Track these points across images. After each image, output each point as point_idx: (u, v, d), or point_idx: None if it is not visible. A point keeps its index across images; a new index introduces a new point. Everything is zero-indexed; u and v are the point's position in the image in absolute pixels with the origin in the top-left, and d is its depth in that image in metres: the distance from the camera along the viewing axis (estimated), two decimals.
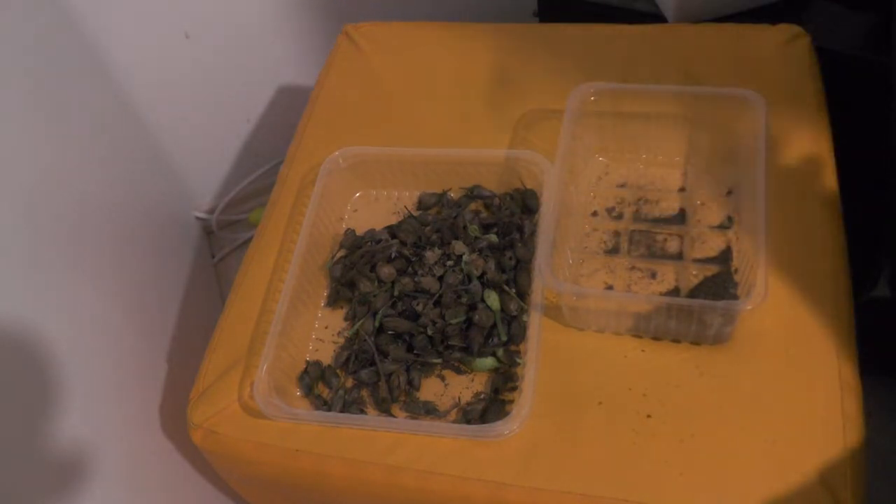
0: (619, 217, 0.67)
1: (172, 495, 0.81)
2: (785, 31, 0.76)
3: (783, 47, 0.75)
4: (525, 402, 0.55)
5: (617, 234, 0.66)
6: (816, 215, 0.63)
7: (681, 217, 0.66)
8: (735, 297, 0.60)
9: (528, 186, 0.70)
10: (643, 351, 0.59)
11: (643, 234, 0.65)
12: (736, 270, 0.62)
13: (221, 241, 1.24)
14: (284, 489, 0.64)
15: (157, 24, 0.99)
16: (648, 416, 0.55)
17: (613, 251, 0.65)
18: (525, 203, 0.69)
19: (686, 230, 0.65)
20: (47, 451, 0.62)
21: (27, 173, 0.69)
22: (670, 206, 0.67)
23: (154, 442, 0.79)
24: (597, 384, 0.58)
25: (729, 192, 0.66)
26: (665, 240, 0.65)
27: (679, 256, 0.64)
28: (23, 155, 0.69)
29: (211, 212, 1.23)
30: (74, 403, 0.65)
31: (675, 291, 0.62)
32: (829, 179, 0.65)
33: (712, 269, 0.62)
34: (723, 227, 0.65)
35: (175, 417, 0.80)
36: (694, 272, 0.62)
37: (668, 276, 0.63)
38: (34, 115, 0.73)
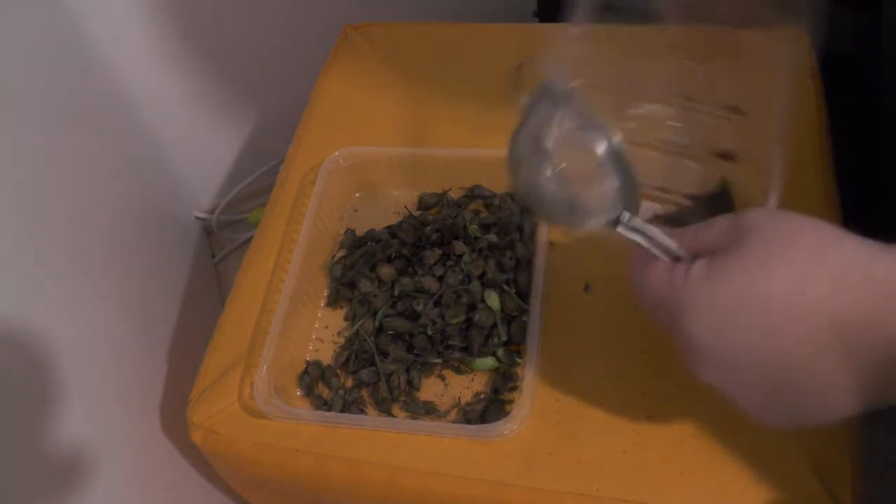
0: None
1: (172, 495, 0.82)
2: (785, 31, 0.76)
3: (783, 47, 0.75)
4: (525, 402, 0.55)
5: None
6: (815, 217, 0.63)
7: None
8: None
9: None
10: (643, 351, 0.59)
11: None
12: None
13: (221, 241, 1.24)
14: (284, 489, 0.64)
15: (156, 24, 0.99)
16: (648, 416, 0.55)
17: None
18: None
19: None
20: (47, 451, 0.62)
21: (26, 173, 0.69)
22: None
23: (154, 442, 0.79)
24: (597, 384, 0.58)
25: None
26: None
27: None
28: (21, 154, 0.69)
29: (211, 212, 1.23)
30: (74, 403, 0.65)
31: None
32: (829, 180, 0.65)
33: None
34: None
35: (175, 417, 0.80)
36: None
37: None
38: (33, 114, 0.73)
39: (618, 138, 0.42)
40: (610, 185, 0.42)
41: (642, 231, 0.42)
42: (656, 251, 0.42)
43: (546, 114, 0.43)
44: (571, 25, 0.60)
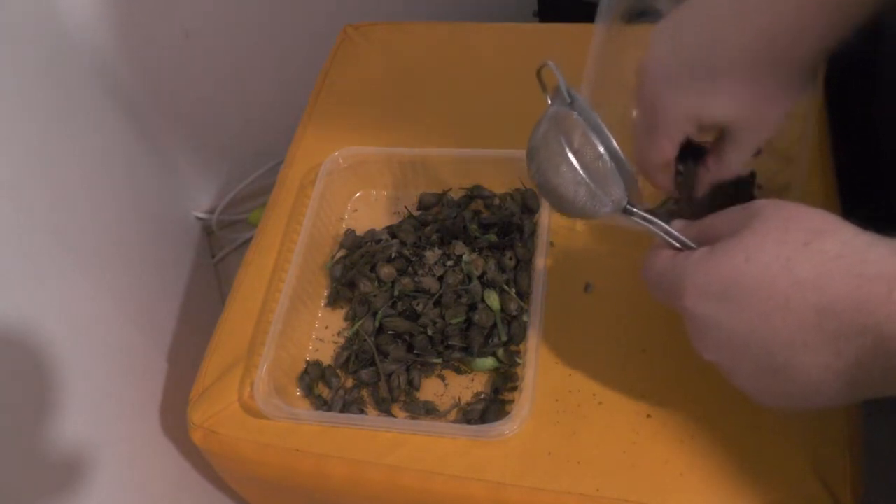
0: None
1: (172, 495, 0.82)
2: None
3: None
4: (525, 402, 0.55)
5: None
6: None
7: None
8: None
9: (528, 186, 0.70)
10: (644, 351, 0.59)
11: None
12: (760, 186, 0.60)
13: (221, 241, 1.25)
14: (285, 489, 0.64)
15: (157, 24, 0.99)
16: (648, 416, 0.56)
17: None
18: (525, 203, 0.69)
19: None
20: (47, 451, 0.62)
21: (26, 173, 0.69)
22: None
23: (154, 442, 0.79)
24: (597, 384, 0.58)
25: None
26: None
27: None
28: (22, 154, 0.69)
29: (211, 212, 1.23)
30: (74, 403, 0.65)
31: None
32: (829, 179, 0.65)
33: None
34: None
35: (175, 417, 0.80)
36: None
37: None
38: (33, 115, 0.73)
39: (613, 141, 0.45)
40: (614, 179, 0.45)
41: (646, 220, 0.45)
42: (667, 238, 0.44)
43: (559, 113, 0.46)
44: (598, 27, 0.61)
